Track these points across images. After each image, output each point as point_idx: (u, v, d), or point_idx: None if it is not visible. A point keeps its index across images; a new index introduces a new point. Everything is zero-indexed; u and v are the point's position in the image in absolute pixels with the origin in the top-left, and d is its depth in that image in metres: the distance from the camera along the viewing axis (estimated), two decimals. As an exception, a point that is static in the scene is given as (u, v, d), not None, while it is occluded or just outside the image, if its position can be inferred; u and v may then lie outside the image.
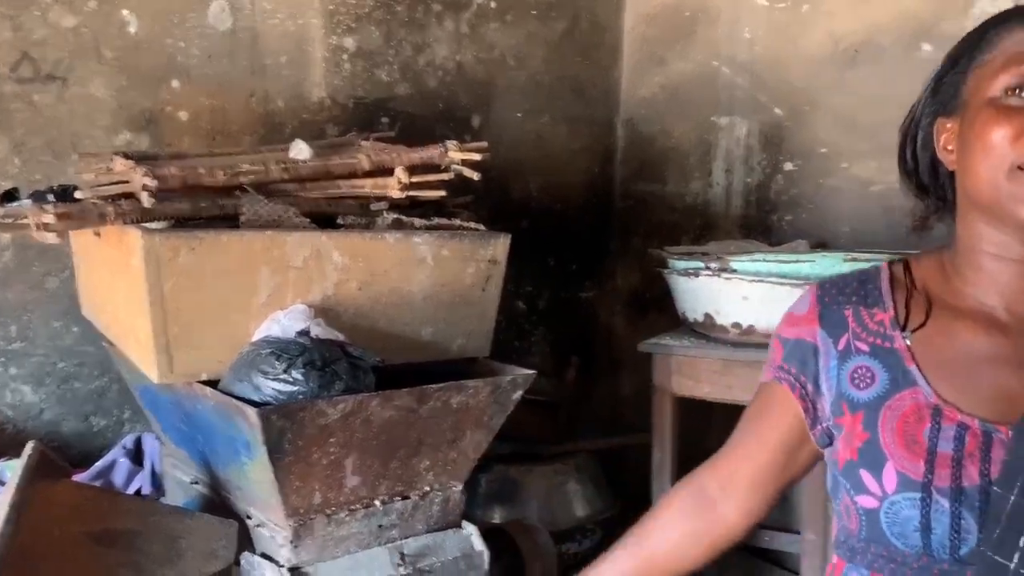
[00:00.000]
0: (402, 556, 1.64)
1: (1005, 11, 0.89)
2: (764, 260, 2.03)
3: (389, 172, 1.84)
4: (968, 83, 0.88)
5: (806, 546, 2.10)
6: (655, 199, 3.24)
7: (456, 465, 1.77)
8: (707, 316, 2.14)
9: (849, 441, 0.87)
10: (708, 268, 2.07)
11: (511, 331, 3.08)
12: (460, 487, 1.79)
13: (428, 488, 1.74)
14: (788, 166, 2.79)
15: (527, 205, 3.08)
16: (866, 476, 0.84)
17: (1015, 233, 0.83)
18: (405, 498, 1.70)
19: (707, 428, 2.67)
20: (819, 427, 0.94)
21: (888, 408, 0.86)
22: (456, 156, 1.86)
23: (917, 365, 0.87)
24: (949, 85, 0.91)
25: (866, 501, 0.85)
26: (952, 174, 0.89)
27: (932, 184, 0.95)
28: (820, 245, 2.54)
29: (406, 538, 1.69)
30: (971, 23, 2.06)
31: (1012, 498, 0.74)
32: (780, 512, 2.83)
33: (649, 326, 2.84)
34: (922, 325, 0.89)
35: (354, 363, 1.55)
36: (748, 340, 2.08)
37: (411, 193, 1.83)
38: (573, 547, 2.61)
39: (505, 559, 1.84)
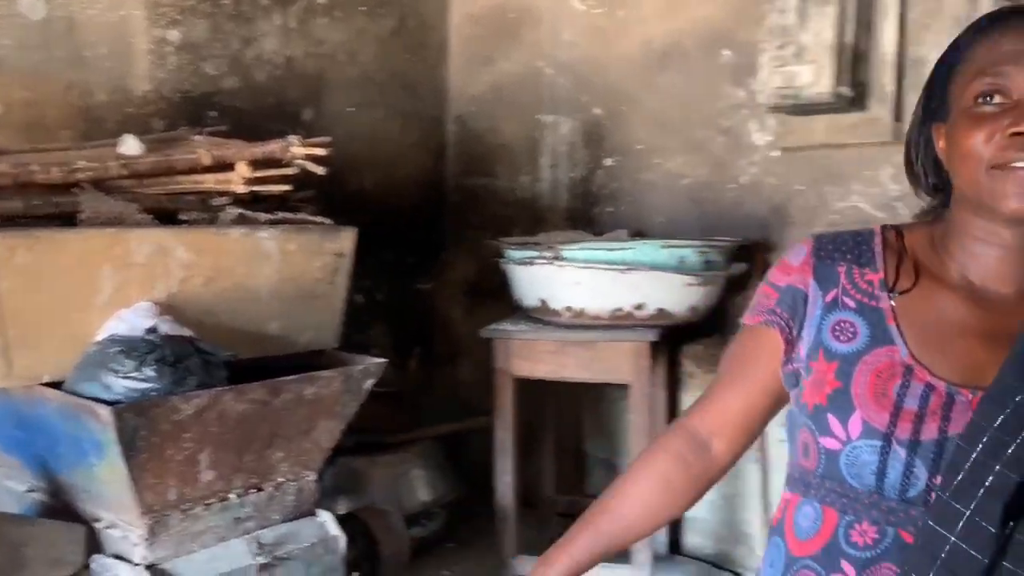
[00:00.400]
0: (260, 545, 1.67)
1: (977, 20, 0.98)
2: (592, 248, 2.20)
3: (230, 167, 1.84)
4: (951, 92, 0.95)
5: (636, 509, 2.29)
6: (487, 193, 3.37)
7: (310, 455, 1.81)
8: (542, 301, 2.28)
9: (819, 387, 0.95)
10: (542, 257, 2.21)
11: (350, 325, 3.10)
12: (314, 476, 1.84)
13: (282, 479, 1.77)
14: (608, 162, 2.99)
15: (362, 200, 3.11)
16: (833, 421, 0.92)
17: (1000, 222, 0.92)
18: (260, 490, 1.73)
19: (543, 406, 2.84)
20: (790, 366, 1.01)
21: (864, 362, 0.93)
22: (299, 151, 1.89)
23: (898, 326, 0.94)
24: (938, 94, 0.98)
25: (830, 443, 0.93)
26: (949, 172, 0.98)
27: (938, 181, 1.01)
28: (638, 234, 2.76)
29: (263, 528, 1.71)
30: (764, 33, 2.31)
31: (975, 455, 0.80)
32: (608, 480, 3.04)
33: (486, 315, 2.94)
34: (908, 290, 0.96)
35: (206, 358, 1.56)
36: (580, 322, 2.24)
37: (254, 188, 1.84)
38: (419, 531, 2.69)
39: (359, 543, 1.90)
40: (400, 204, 3.31)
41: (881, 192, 2.32)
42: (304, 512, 1.81)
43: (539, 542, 2.71)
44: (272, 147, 1.89)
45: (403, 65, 3.32)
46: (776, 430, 2.53)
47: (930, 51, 2.21)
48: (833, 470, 0.93)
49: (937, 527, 0.81)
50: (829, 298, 0.98)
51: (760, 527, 2.52)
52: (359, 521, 1.94)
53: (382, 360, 1.88)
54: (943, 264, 0.98)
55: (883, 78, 2.25)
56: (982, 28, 0.94)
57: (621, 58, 2.93)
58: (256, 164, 1.86)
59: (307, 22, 2.95)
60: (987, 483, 0.79)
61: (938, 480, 0.86)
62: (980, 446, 0.80)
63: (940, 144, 0.97)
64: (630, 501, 1.06)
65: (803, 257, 1.02)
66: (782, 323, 1.01)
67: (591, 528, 1.06)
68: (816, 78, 2.18)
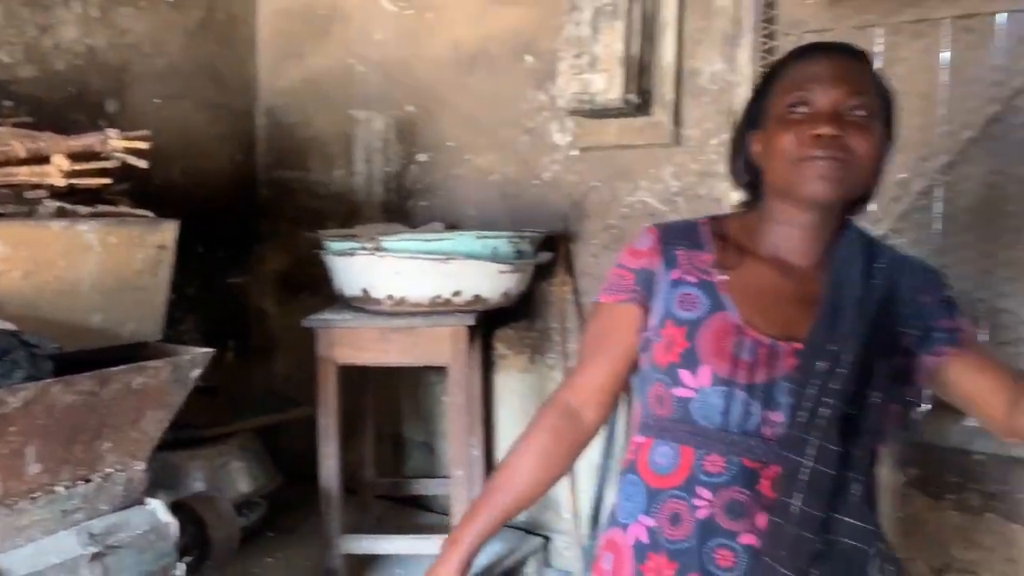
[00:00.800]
0: (90, 536, 1.67)
1: (791, 51, 1.23)
2: (412, 240, 2.33)
3: (45, 160, 1.81)
4: (768, 104, 1.19)
5: (456, 481, 2.45)
6: (300, 186, 3.41)
7: (138, 445, 1.82)
8: (363, 291, 2.38)
9: (671, 348, 1.16)
10: (364, 248, 2.31)
11: (161, 320, 3.06)
12: (143, 466, 1.85)
13: (111, 469, 1.78)
14: (421, 157, 3.13)
15: (170, 192, 3.05)
16: (684, 374, 1.14)
17: (801, 205, 1.16)
18: (88, 481, 1.73)
19: (362, 394, 2.94)
20: (642, 334, 1.22)
21: (706, 326, 1.15)
22: (118, 144, 1.89)
23: (729, 296, 1.17)
24: (756, 107, 1.22)
25: (682, 392, 1.14)
26: (762, 169, 1.22)
27: (752, 178, 1.25)
28: (452, 226, 2.92)
29: (92, 519, 1.72)
30: (562, 42, 2.54)
31: (812, 396, 1.06)
32: (426, 462, 3.20)
33: (300, 307, 3.00)
34: (735, 267, 1.20)
35: (32, 351, 1.55)
36: (401, 309, 2.37)
37: (73, 181, 1.83)
38: (241, 521, 2.71)
39: (189, 529, 1.93)
40: (210, 197, 3.29)
41: (664, 188, 2.62)
42: (133, 501, 1.82)
43: (361, 524, 2.84)
44: (89, 140, 1.88)
45: (211, 57, 3.30)
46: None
47: (703, 64, 2.52)
48: (686, 414, 1.15)
49: (795, 456, 1.06)
50: (674, 276, 1.21)
51: (568, 493, 2.76)
52: (188, 508, 1.97)
53: (209, 350, 1.92)
54: (758, 245, 1.22)
55: (664, 87, 2.54)
56: (795, 56, 1.21)
57: (431, 59, 3.08)
58: (73, 157, 1.84)
59: (109, 11, 2.88)
60: (826, 416, 1.05)
61: (770, 414, 1.10)
62: (813, 389, 1.07)
63: (756, 147, 1.22)
64: (518, 476, 1.25)
65: (650, 244, 1.25)
66: (640, 299, 1.22)
67: (488, 504, 1.25)
68: (608, 86, 2.43)
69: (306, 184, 3.41)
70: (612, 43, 2.44)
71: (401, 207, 3.17)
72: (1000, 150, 2.14)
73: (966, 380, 1.16)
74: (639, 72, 2.50)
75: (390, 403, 3.20)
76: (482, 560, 2.62)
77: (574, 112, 2.62)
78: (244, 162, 3.47)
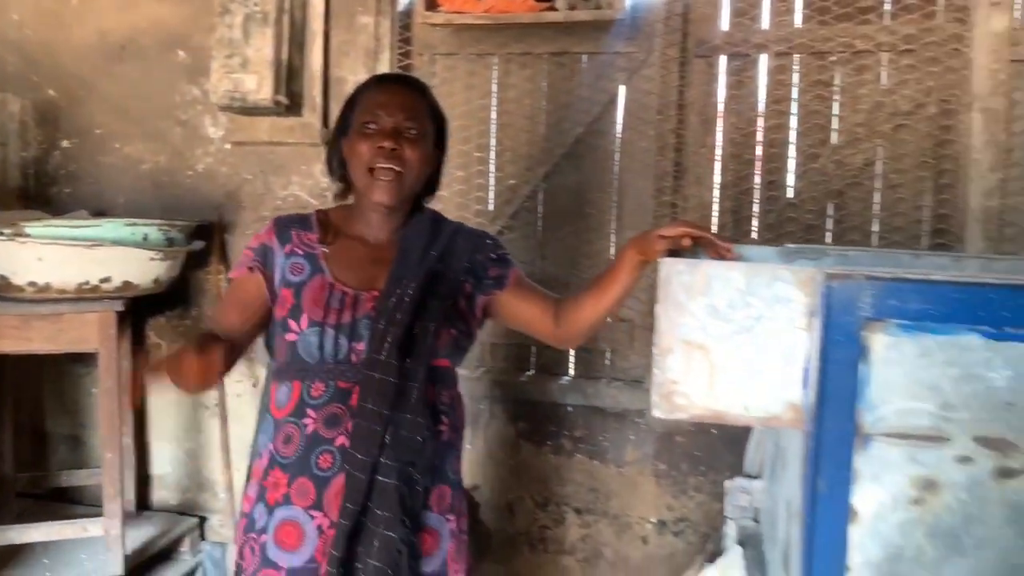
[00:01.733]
0: None
1: (370, 78, 1.65)
2: (58, 226, 2.32)
3: None
4: (352, 118, 1.55)
5: (108, 464, 2.48)
6: (-80, 168, 3.14)
7: None
8: (2, 278, 2.33)
9: (285, 305, 1.49)
10: (2, 234, 2.26)
11: None
12: None
13: None
14: (65, 143, 3.05)
15: None
16: (292, 323, 1.47)
17: (373, 205, 1.54)
18: None
19: (1, 384, 2.82)
20: (266, 298, 1.53)
21: (308, 286, 1.49)
22: None
23: (326, 263, 1.52)
24: (344, 120, 1.57)
25: (291, 337, 1.47)
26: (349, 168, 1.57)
27: (344, 174, 1.60)
28: (100, 214, 2.89)
29: None
30: (214, 41, 2.68)
31: (382, 326, 1.42)
32: (74, 456, 3.14)
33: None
34: (332, 243, 1.56)
35: None
36: (45, 296, 2.35)
37: None
38: None
39: None
40: None
41: (315, 183, 2.85)
42: None
43: None
44: None
45: None
46: (234, 386, 2.93)
47: (347, 73, 2.79)
48: (294, 355, 1.48)
49: (369, 372, 1.43)
50: (287, 250, 1.55)
51: (222, 472, 2.90)
52: None
53: None
54: (351, 226, 1.59)
55: (313, 91, 2.77)
56: (370, 84, 1.62)
57: (77, 45, 3.02)
58: None
59: None
60: (390, 339, 1.43)
61: (356, 345, 1.45)
62: (383, 321, 1.44)
63: (345, 151, 1.58)
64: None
65: (268, 228, 1.59)
66: (259, 267, 1.55)
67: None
68: (258, 86, 2.61)
69: (-73, 166, 3.14)
70: (262, 47, 2.62)
71: (42, 194, 3.06)
72: (583, 165, 2.67)
73: (516, 309, 1.60)
74: (289, 76, 2.71)
75: (32, 395, 3.09)
76: (135, 544, 2.67)
77: (226, 108, 2.75)
78: None
